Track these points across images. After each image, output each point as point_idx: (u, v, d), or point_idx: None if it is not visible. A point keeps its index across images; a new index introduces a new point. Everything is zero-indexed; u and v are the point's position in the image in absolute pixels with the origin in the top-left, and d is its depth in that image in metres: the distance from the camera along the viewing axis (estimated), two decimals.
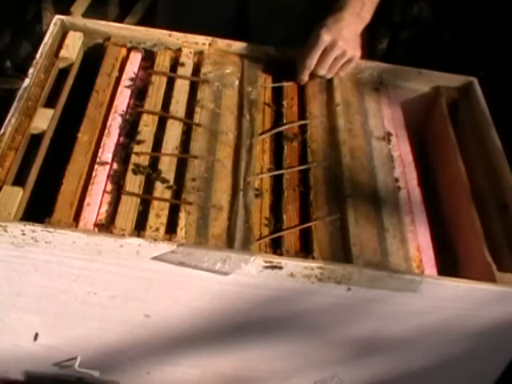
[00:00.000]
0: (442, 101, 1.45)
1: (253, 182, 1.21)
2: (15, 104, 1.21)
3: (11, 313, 1.19)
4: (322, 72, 1.38)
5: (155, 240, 1.06)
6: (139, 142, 1.22)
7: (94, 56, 1.38)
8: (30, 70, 1.27)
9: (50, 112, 1.24)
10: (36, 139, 1.21)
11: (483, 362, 1.28)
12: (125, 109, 1.28)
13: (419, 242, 1.19)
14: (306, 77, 1.38)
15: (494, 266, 1.14)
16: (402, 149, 1.35)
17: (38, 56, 1.30)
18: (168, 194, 1.16)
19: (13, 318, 1.20)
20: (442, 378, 1.32)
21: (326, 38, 1.32)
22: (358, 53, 1.36)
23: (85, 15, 2.41)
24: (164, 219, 1.12)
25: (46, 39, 1.34)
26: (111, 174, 1.17)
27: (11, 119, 1.19)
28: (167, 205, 1.14)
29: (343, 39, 1.32)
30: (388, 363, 1.28)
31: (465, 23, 2.63)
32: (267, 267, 1.07)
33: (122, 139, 1.24)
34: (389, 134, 1.36)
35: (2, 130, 1.17)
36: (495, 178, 1.30)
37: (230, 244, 1.11)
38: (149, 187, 1.16)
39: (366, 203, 1.22)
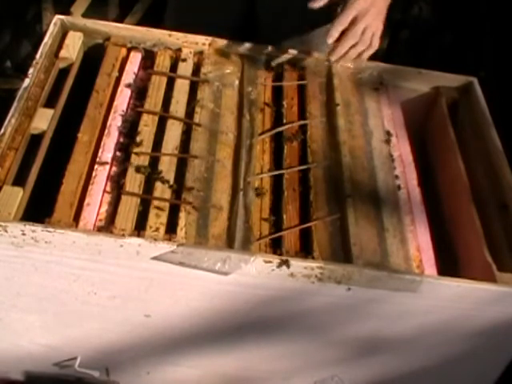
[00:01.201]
0: (441, 101, 1.45)
1: (253, 182, 1.21)
2: (15, 104, 1.21)
3: (11, 313, 1.19)
4: (353, 40, 1.34)
5: (155, 240, 1.06)
6: (139, 142, 1.22)
7: (94, 56, 1.38)
8: (30, 70, 1.27)
9: (49, 112, 1.24)
10: (36, 139, 1.21)
11: (483, 362, 1.28)
12: (125, 109, 1.28)
13: (419, 242, 1.19)
14: (337, 32, 1.33)
15: (494, 265, 1.14)
16: (402, 149, 1.35)
17: (38, 56, 1.30)
18: (168, 194, 1.16)
19: (13, 317, 1.20)
20: (442, 378, 1.32)
21: (361, 2, 1.31)
22: (381, 26, 1.36)
23: (85, 15, 2.40)
24: (164, 219, 1.12)
25: (46, 39, 1.34)
26: (111, 174, 1.17)
27: (11, 119, 1.19)
28: (167, 205, 1.14)
29: (375, 7, 1.32)
30: (388, 363, 1.28)
31: (465, 23, 2.63)
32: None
33: (121, 139, 1.24)
34: (389, 134, 1.36)
35: (2, 130, 1.17)
36: (495, 178, 1.30)
37: (230, 244, 1.11)
38: (149, 187, 1.16)
39: (366, 203, 1.22)
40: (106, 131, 1.23)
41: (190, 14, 1.65)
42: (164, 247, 1.06)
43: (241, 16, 1.64)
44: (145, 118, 1.27)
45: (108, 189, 1.15)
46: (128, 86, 1.32)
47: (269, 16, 1.61)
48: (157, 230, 1.10)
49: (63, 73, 1.33)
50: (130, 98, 1.31)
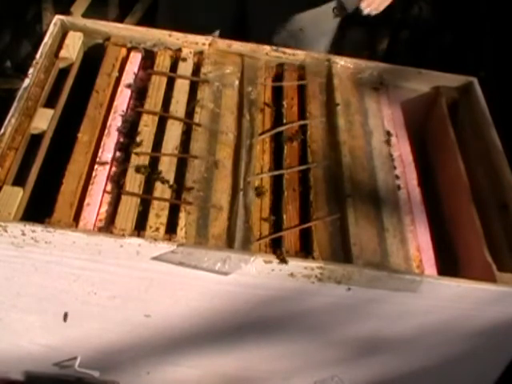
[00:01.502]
0: (441, 101, 1.45)
1: (253, 182, 1.21)
2: (15, 104, 1.21)
3: (11, 313, 1.19)
4: None
5: (155, 240, 1.06)
6: (139, 142, 1.22)
7: (94, 56, 1.38)
8: (30, 70, 1.27)
9: (49, 112, 1.24)
10: (36, 139, 1.21)
11: (483, 362, 1.28)
12: (125, 109, 1.28)
13: (419, 241, 1.19)
14: None
15: (494, 265, 1.14)
16: (402, 149, 1.35)
17: (38, 56, 1.30)
18: (168, 194, 1.16)
19: (13, 318, 1.20)
20: (442, 378, 1.31)
21: None
22: None
23: (85, 15, 2.40)
24: (164, 219, 1.12)
25: (46, 39, 1.34)
26: (111, 174, 1.17)
27: (11, 119, 1.19)
28: (167, 205, 1.14)
29: None
30: (388, 363, 1.28)
31: (465, 23, 2.63)
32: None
33: (121, 139, 1.24)
34: (389, 134, 1.36)
35: (2, 130, 1.17)
36: (495, 178, 1.30)
37: (230, 244, 1.11)
38: (149, 187, 1.16)
39: (366, 203, 1.22)
40: (106, 131, 1.23)
41: (184, 14, 1.66)
42: (164, 247, 1.06)
43: (232, 18, 1.65)
44: (145, 118, 1.27)
45: (108, 189, 1.15)
46: (128, 86, 1.32)
47: (258, 16, 1.62)
48: (157, 229, 1.10)
49: (63, 73, 1.33)
50: (129, 98, 1.31)
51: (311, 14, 1.59)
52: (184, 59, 1.39)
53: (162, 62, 1.38)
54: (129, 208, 1.12)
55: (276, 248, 1.12)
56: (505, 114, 1.70)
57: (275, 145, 1.30)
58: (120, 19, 2.56)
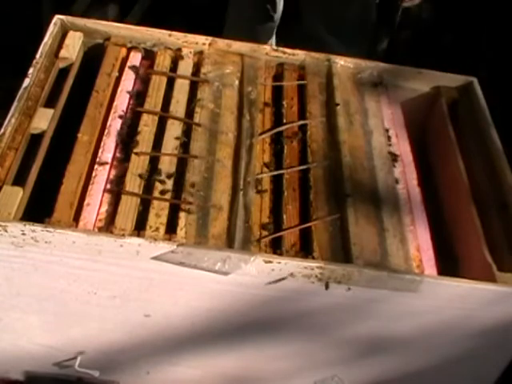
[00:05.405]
0: (442, 101, 1.45)
1: (253, 182, 1.21)
2: (15, 104, 1.21)
3: (11, 313, 1.19)
4: None
5: (155, 240, 1.06)
6: (139, 142, 1.22)
7: (93, 56, 1.38)
8: (30, 70, 1.27)
9: (50, 112, 1.24)
10: (36, 139, 1.21)
11: (483, 362, 1.28)
12: (125, 109, 1.28)
13: (419, 242, 1.19)
14: None
15: (494, 266, 1.14)
16: (401, 149, 1.35)
17: (38, 56, 1.30)
18: (168, 194, 1.16)
19: (13, 317, 1.20)
20: (442, 378, 1.31)
21: None
22: None
23: (85, 15, 2.40)
24: (164, 219, 1.12)
25: (45, 39, 1.34)
26: (111, 174, 1.17)
27: (11, 119, 1.19)
28: (167, 205, 1.14)
29: None
30: (388, 363, 1.27)
31: (465, 23, 2.63)
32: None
33: (122, 139, 1.24)
34: (389, 134, 1.36)
35: (2, 130, 1.17)
36: (495, 178, 1.30)
37: (229, 244, 1.11)
38: (149, 187, 1.16)
39: (366, 203, 1.22)
40: (106, 131, 1.23)
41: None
42: (164, 247, 1.06)
43: None
44: (145, 117, 1.27)
45: (108, 189, 1.15)
46: (128, 86, 1.32)
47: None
48: (157, 229, 1.10)
49: (63, 73, 1.33)
50: (129, 98, 1.31)
51: None
52: (184, 59, 1.39)
53: (162, 61, 1.38)
54: (129, 208, 1.12)
55: (276, 248, 1.13)
56: (505, 114, 1.70)
57: (275, 145, 1.31)
58: (120, 19, 2.56)
